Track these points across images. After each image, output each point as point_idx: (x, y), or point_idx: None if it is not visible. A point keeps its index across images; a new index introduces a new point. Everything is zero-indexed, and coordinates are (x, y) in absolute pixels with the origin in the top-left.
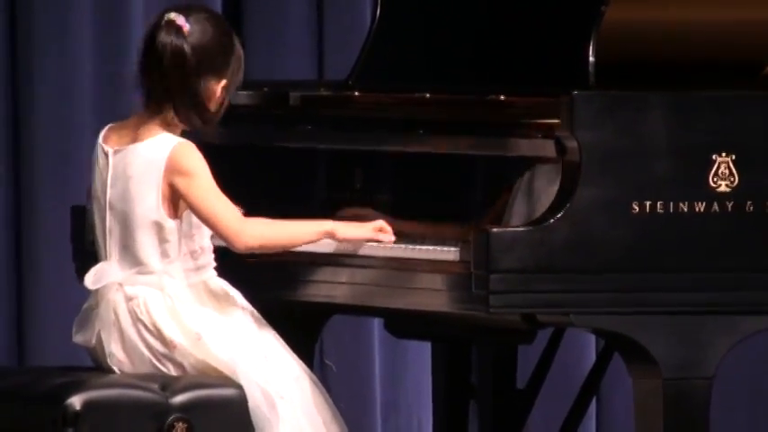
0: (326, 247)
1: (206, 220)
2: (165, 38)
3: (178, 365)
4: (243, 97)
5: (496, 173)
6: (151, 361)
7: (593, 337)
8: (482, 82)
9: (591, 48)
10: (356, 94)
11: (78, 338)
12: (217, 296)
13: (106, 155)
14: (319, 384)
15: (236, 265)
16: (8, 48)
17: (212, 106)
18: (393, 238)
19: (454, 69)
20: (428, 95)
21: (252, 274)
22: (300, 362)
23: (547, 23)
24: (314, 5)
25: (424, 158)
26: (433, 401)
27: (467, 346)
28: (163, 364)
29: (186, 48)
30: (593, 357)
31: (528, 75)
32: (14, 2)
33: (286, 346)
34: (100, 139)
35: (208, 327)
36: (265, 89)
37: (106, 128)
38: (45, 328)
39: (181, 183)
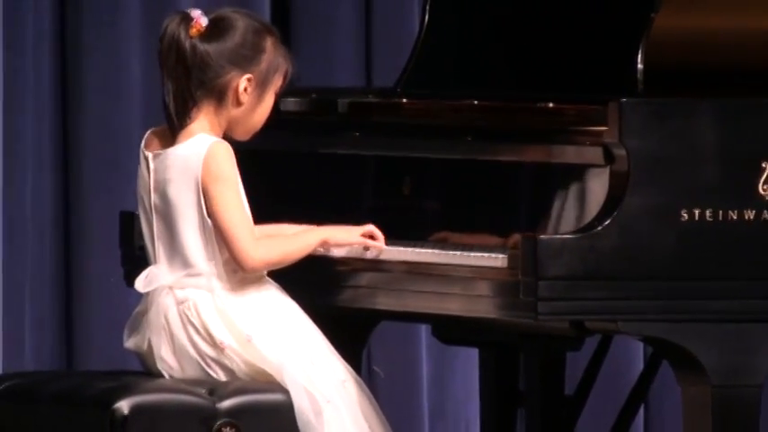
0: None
1: (220, 229)
2: (172, 29)
3: (226, 369)
4: (291, 104)
5: (544, 179)
6: (200, 364)
7: (641, 344)
8: (530, 89)
9: (640, 55)
10: (404, 100)
11: (129, 344)
12: (265, 297)
13: (147, 160)
14: (366, 389)
15: (284, 270)
16: (57, 54)
17: (242, 99)
18: (383, 246)
19: (502, 76)
20: (476, 102)
21: (300, 280)
22: (347, 365)
23: (596, 30)
24: (362, 14)
25: (471, 165)
26: (481, 408)
27: (514, 353)
28: (211, 368)
29: (183, 37)
30: (641, 364)
31: (576, 82)
32: (63, 7)
33: (333, 350)
34: (142, 145)
35: (258, 328)
36: (313, 96)
37: (148, 132)
38: (93, 332)
39: (210, 184)
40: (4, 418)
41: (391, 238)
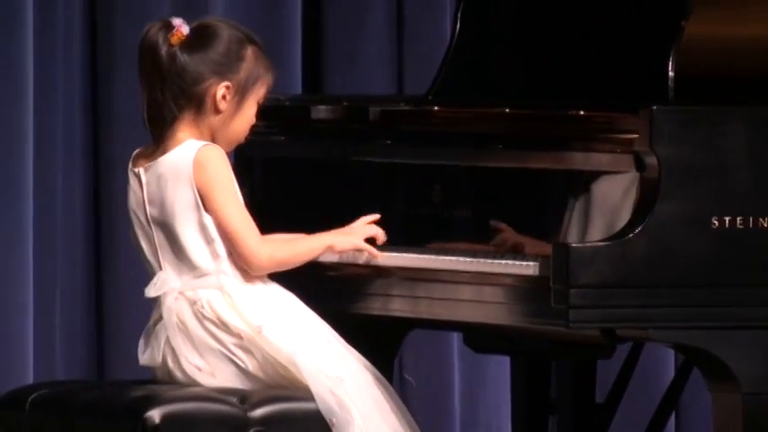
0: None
1: (225, 231)
2: (151, 36)
3: (250, 353)
4: (322, 111)
5: (575, 187)
6: (225, 355)
7: (672, 352)
8: (560, 97)
9: (670, 62)
10: (435, 108)
11: (144, 359)
12: (272, 289)
13: (137, 176)
14: (380, 375)
15: (311, 278)
16: (88, 61)
17: (220, 107)
18: (384, 238)
19: (533, 84)
20: (507, 110)
21: (329, 288)
22: (358, 354)
23: (626, 38)
24: (393, 22)
25: (502, 173)
26: (512, 416)
27: (546, 361)
28: (236, 356)
29: (161, 44)
30: (672, 372)
31: (607, 89)
32: (95, 10)
33: (342, 340)
34: (129, 164)
35: (268, 319)
36: (345, 103)
37: (134, 153)
38: (124, 342)
39: (206, 186)
40: (35, 427)
41: (421, 246)
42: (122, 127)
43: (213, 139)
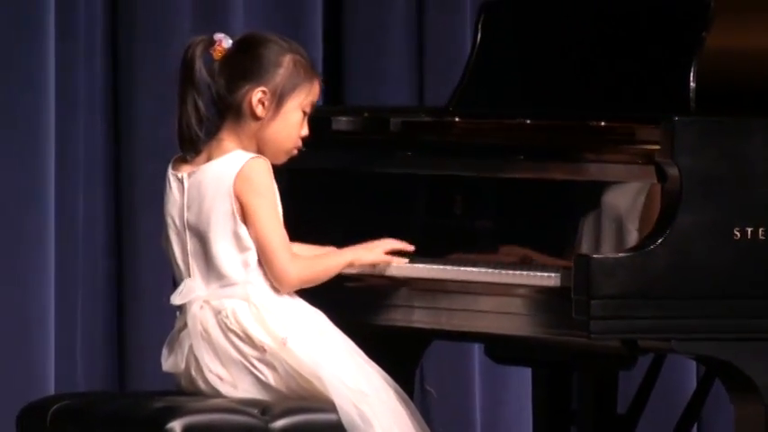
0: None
1: (260, 245)
2: (192, 52)
3: (272, 367)
4: (343, 123)
5: (597, 198)
6: (246, 367)
7: (694, 363)
8: (582, 108)
9: (692, 73)
10: (456, 119)
11: (167, 366)
12: (298, 303)
13: (180, 180)
14: (403, 393)
15: (333, 289)
16: (108, 77)
17: (258, 112)
18: (407, 258)
19: (554, 95)
20: (528, 121)
21: (349, 300)
22: (381, 370)
23: (648, 49)
24: (414, 33)
25: (523, 184)
26: (534, 427)
27: (567, 372)
28: (257, 369)
29: (198, 58)
30: (694, 383)
31: (629, 100)
32: (115, 31)
33: (365, 356)
34: (169, 169)
35: (292, 331)
36: (366, 114)
37: (174, 157)
38: (146, 353)
39: (246, 197)
40: None
41: (442, 257)
42: (144, 137)
43: (259, 149)
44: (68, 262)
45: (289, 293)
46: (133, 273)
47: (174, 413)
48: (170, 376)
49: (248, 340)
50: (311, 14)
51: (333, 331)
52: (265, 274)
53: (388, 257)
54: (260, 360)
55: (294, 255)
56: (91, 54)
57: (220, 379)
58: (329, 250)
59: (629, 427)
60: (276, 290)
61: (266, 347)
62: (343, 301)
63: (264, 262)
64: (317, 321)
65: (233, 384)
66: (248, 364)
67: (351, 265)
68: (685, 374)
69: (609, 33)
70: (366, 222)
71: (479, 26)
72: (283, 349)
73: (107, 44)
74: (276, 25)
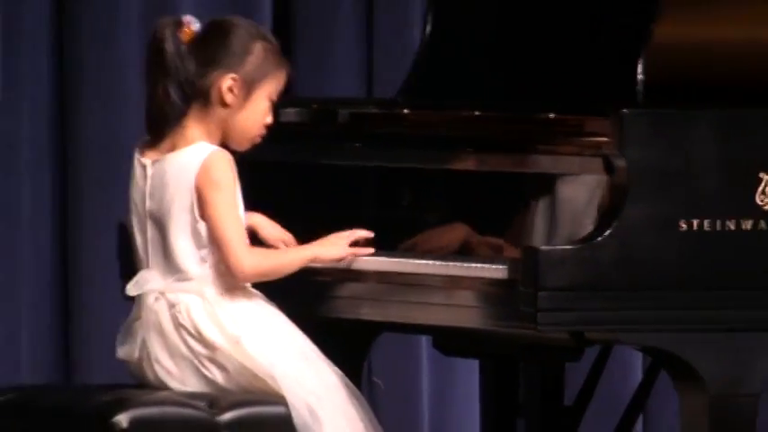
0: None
1: (215, 237)
2: (160, 34)
3: (221, 367)
4: (291, 114)
5: (545, 190)
6: (194, 364)
7: (640, 354)
8: (531, 100)
9: (640, 66)
10: (405, 111)
11: (121, 353)
12: (254, 302)
13: (144, 167)
14: (357, 392)
15: (281, 282)
16: (54, 65)
17: (227, 99)
18: (370, 251)
19: (503, 87)
20: (477, 113)
21: (298, 291)
22: (337, 369)
23: (596, 41)
24: (363, 24)
25: (472, 176)
26: (481, 419)
27: (515, 364)
28: (206, 368)
29: (169, 41)
30: (639, 374)
31: (577, 92)
32: (61, 17)
33: (321, 354)
34: (136, 152)
35: (247, 330)
36: (314, 106)
37: (142, 140)
38: (91, 345)
39: (206, 191)
40: None
41: (391, 250)
42: (89, 133)
43: (224, 136)
44: (13, 253)
45: (244, 291)
46: (78, 263)
47: (121, 406)
48: (117, 368)
49: (199, 338)
50: (260, 4)
51: (289, 330)
52: (222, 272)
53: (353, 250)
54: (209, 359)
55: (250, 248)
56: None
57: (169, 373)
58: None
59: (576, 418)
60: (232, 288)
61: (217, 346)
62: (292, 293)
63: (220, 254)
64: (272, 320)
65: (181, 381)
66: (197, 362)
67: (314, 260)
68: (631, 366)
69: (557, 26)
70: (314, 215)
71: (429, 17)
72: (236, 348)
73: (54, 28)
74: (224, 14)
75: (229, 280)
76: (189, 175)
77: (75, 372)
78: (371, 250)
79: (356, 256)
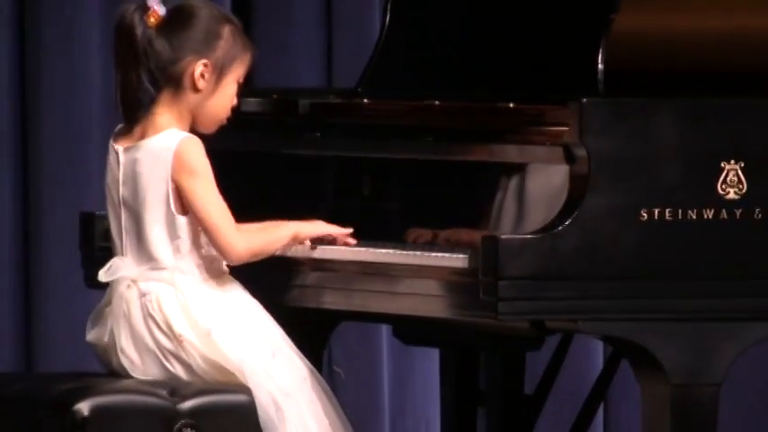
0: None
1: (203, 225)
2: (127, 19)
3: (184, 364)
4: (252, 104)
5: (505, 180)
6: (158, 357)
7: (601, 344)
8: (491, 89)
9: (600, 55)
10: (365, 101)
11: (91, 336)
12: (227, 294)
13: (117, 153)
14: (326, 386)
15: (242, 270)
16: (15, 52)
17: (199, 85)
18: (350, 230)
19: (463, 76)
20: (437, 103)
21: (259, 279)
22: (308, 362)
23: (556, 31)
24: (323, 13)
25: (432, 166)
26: (441, 408)
27: (475, 353)
28: (169, 362)
29: (137, 26)
30: (600, 364)
31: (537, 82)
32: (23, 2)
33: (294, 347)
34: (111, 139)
35: (218, 323)
36: (274, 96)
37: (117, 127)
38: (52, 334)
39: (184, 180)
40: None
41: (351, 239)
42: (50, 123)
43: (193, 120)
44: None
45: (219, 282)
46: (40, 255)
47: (82, 394)
48: (78, 356)
49: (168, 330)
50: None
51: (262, 323)
52: (197, 264)
53: (331, 229)
54: (174, 355)
55: (239, 228)
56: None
57: (132, 363)
58: (269, 224)
59: (537, 407)
60: (206, 280)
61: (184, 339)
62: (250, 281)
63: (210, 239)
64: (246, 313)
65: (143, 373)
66: (162, 357)
67: (295, 238)
68: (592, 355)
69: (518, 15)
70: (275, 205)
71: (388, 7)
72: (207, 341)
73: (15, 16)
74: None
75: (204, 271)
76: (162, 164)
77: (36, 361)
78: (352, 239)
79: (334, 237)
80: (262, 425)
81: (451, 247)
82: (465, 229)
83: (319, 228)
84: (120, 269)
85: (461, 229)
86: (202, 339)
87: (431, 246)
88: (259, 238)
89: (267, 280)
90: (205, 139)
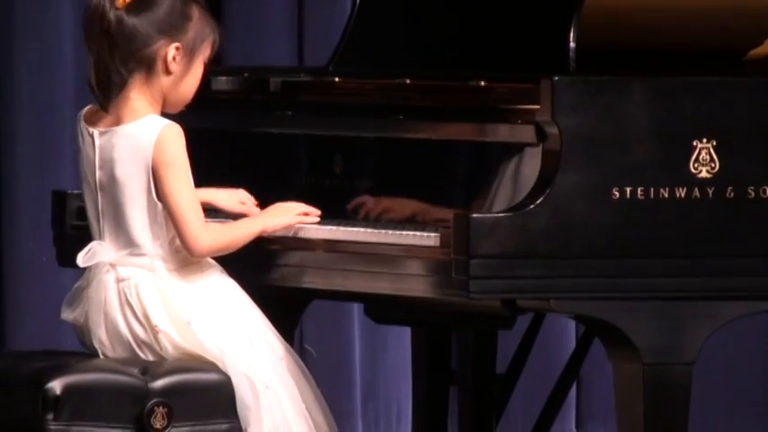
0: None
1: (171, 214)
2: (97, 1)
3: (156, 354)
4: (223, 83)
5: (477, 158)
6: (131, 346)
7: (573, 323)
8: (462, 67)
9: (571, 33)
10: (336, 79)
11: (67, 315)
12: (207, 280)
13: (91, 136)
14: (303, 365)
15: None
16: None
17: (171, 68)
18: (317, 218)
19: (434, 55)
20: (408, 81)
21: (232, 259)
22: (284, 341)
23: (528, 9)
24: None
25: (403, 144)
26: (413, 386)
27: (447, 332)
28: (142, 350)
29: (108, 9)
30: (573, 342)
31: (509, 60)
32: None
33: (271, 327)
34: (81, 121)
35: (197, 313)
36: (245, 75)
37: (86, 108)
38: (25, 313)
39: (160, 168)
40: None
41: (323, 217)
42: (21, 104)
43: (164, 102)
44: None
45: (200, 270)
46: (11, 234)
47: (54, 373)
48: (50, 335)
49: (144, 320)
50: None
51: (242, 306)
52: (177, 249)
53: (300, 218)
54: (146, 345)
55: (206, 223)
56: None
57: (104, 347)
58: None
59: (509, 386)
60: (186, 267)
61: (160, 330)
62: (223, 261)
63: (176, 230)
64: (225, 300)
65: (113, 355)
66: (134, 345)
67: (265, 230)
68: (564, 334)
69: None
70: (246, 184)
71: None
72: (185, 331)
73: None
74: None
75: (183, 257)
76: (143, 152)
77: (8, 340)
78: (317, 219)
79: (303, 224)
80: (240, 414)
81: (423, 225)
82: (436, 207)
83: (287, 219)
84: (98, 254)
85: (433, 206)
86: (181, 330)
87: (402, 224)
88: (225, 235)
89: (238, 259)
90: (175, 117)
